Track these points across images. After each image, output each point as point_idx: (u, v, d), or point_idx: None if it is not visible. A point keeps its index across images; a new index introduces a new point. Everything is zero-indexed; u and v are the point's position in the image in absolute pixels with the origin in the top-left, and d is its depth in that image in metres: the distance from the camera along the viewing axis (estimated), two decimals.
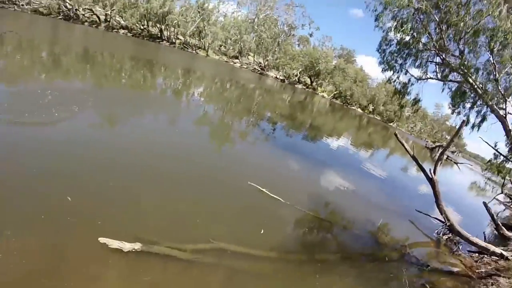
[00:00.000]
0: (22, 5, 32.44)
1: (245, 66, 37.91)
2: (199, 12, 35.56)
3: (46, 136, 5.30)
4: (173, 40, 33.32)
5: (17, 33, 16.29)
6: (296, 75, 40.49)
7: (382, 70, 9.78)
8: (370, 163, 12.13)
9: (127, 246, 3.38)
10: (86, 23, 32.49)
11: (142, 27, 33.19)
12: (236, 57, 39.45)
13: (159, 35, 33.26)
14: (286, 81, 38.92)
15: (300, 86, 39.95)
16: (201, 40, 36.95)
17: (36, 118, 5.73)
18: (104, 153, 5.32)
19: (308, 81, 42.01)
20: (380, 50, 9.82)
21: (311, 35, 42.85)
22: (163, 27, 33.48)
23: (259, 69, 38.64)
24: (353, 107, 41.73)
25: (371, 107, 44.30)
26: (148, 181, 4.85)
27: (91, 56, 16.81)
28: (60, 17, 32.29)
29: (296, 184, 7.16)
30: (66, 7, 32.54)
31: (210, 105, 10.83)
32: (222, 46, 39.70)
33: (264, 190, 5.74)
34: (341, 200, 7.07)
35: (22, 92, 7.13)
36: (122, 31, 32.23)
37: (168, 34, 33.56)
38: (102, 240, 3.36)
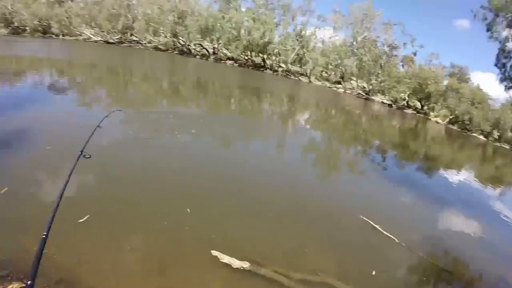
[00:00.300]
0: (145, 43, 39.23)
1: (348, 91, 36.72)
2: (297, 39, 36.30)
3: (171, 154, 6.41)
4: (276, 68, 34.60)
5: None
6: (404, 99, 37.17)
7: (506, 88, 7.98)
8: (502, 204, 9.89)
9: (236, 263, 3.50)
10: (197, 56, 36.77)
11: (246, 58, 35.39)
12: (339, 82, 38.66)
13: (262, 64, 34.97)
14: (393, 106, 36.01)
15: (409, 111, 36.36)
16: (302, 67, 37.45)
17: (162, 139, 6.93)
18: (217, 173, 5.92)
19: (418, 105, 38.07)
20: (499, 65, 8.10)
21: (415, 54, 38.98)
22: (265, 56, 35.05)
23: (363, 94, 36.85)
24: (473, 134, 35.98)
25: (496, 134, 37.49)
26: (258, 204, 5.06)
27: (203, 85, 18.33)
28: (176, 52, 36.99)
29: (410, 222, 6.31)
30: (180, 43, 37.22)
31: (316, 132, 10.52)
32: (324, 72, 39.43)
33: (377, 226, 5.17)
34: (465, 248, 5.86)
35: (149, 116, 8.44)
36: (228, 62, 35.25)
37: (271, 62, 35.02)
38: (214, 253, 3.59)
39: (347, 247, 4.64)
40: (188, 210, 4.43)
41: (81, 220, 3.86)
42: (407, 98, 37.56)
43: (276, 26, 36.76)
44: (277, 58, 35.84)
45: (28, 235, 3.49)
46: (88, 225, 3.86)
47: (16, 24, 43.73)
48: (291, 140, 9.22)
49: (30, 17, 43.64)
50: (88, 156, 2.54)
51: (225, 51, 36.22)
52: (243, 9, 38.44)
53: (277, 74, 32.60)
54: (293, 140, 9.25)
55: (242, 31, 35.51)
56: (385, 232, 5.07)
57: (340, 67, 37.83)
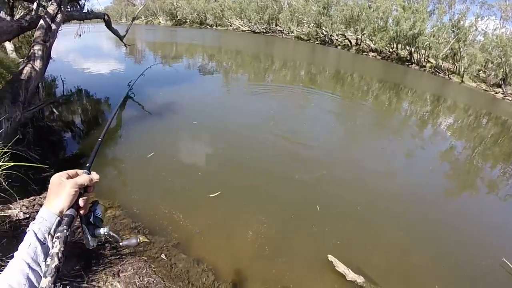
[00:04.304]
0: (288, 33, 41.18)
1: (510, 98, 30.59)
2: (453, 31, 31.65)
3: (300, 149, 6.66)
4: (423, 64, 31.21)
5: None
6: None
7: None
8: None
9: (350, 275, 3.38)
10: (339, 47, 36.40)
11: (391, 50, 33.04)
12: (499, 85, 32.43)
13: (408, 58, 32.06)
14: None
15: None
16: (455, 63, 32.79)
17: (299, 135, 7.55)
18: (347, 175, 5.96)
19: None
20: None
21: None
22: (412, 49, 32.07)
23: None
24: None
25: None
26: (388, 217, 4.82)
27: (342, 76, 18.42)
28: (317, 42, 37.48)
29: None
30: (322, 33, 37.43)
31: (458, 141, 9.45)
32: (481, 71, 33.63)
33: None
34: None
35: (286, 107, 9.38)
36: (371, 54, 33.52)
37: (418, 57, 31.73)
38: (330, 258, 3.55)
39: None
40: (317, 207, 4.62)
41: (212, 195, 4.51)
42: None
43: (429, 16, 32.74)
44: (426, 52, 32.25)
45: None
46: (216, 200, 4.47)
47: (178, 17, 55.20)
48: (427, 146, 8.48)
49: (190, 11, 52.99)
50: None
51: (368, 42, 34.63)
52: None
53: (424, 70, 29.35)
54: (430, 146, 8.49)
55: (390, 21, 33.13)
56: None
57: (504, 67, 31.43)
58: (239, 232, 3.97)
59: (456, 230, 4.86)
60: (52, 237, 0.72)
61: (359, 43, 35.36)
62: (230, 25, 48.00)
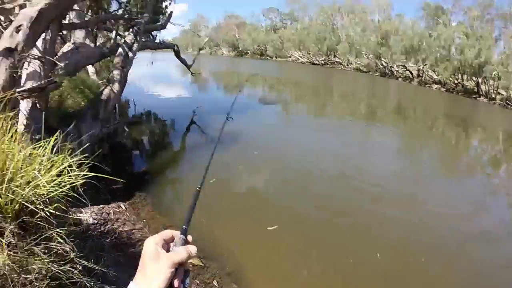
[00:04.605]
0: (346, 64, 41.92)
1: None
2: None
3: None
4: (493, 96, 29.02)
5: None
6: None
7: None
8: None
9: None
10: (399, 79, 35.63)
11: (456, 81, 31.43)
12: None
13: (475, 90, 30.06)
14: None
15: None
16: None
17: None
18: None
19: None
20: None
21: None
22: (479, 80, 30.25)
23: None
24: None
25: None
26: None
27: (403, 110, 18.33)
28: (377, 74, 37.32)
29: None
30: (382, 65, 37.19)
31: None
32: None
33: None
34: None
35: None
36: (434, 86, 32.19)
37: (486, 88, 29.62)
38: None
39: None
40: (378, 255, 4.25)
41: (270, 228, 4.48)
42: None
43: (496, 42, 31.37)
44: (496, 83, 30.24)
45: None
46: (272, 233, 4.46)
47: (240, 48, 58.84)
48: (497, 196, 7.63)
49: (251, 42, 56.40)
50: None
51: (431, 73, 33.44)
52: (454, 24, 34.67)
53: (494, 103, 27.40)
54: (501, 197, 7.62)
55: (453, 50, 31.87)
56: None
57: None
58: (292, 270, 3.89)
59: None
60: None
61: (421, 74, 34.37)
62: (290, 57, 49.89)
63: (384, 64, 37.42)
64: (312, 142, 9.64)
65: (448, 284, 4.04)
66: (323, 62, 44.74)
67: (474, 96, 29.98)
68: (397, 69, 36.64)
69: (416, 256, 4.40)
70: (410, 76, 35.21)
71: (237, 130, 8.69)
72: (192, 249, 0.71)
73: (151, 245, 0.65)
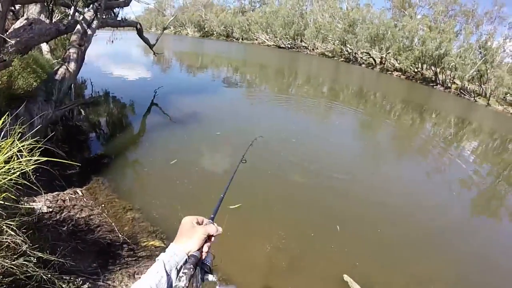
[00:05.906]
0: (312, 49, 41.86)
1: None
2: (480, 52, 31.03)
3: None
4: (448, 85, 30.73)
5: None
6: None
7: None
8: None
9: None
10: (363, 65, 36.45)
11: (416, 70, 32.73)
12: None
13: (433, 79, 31.64)
14: None
15: None
16: (482, 85, 32.10)
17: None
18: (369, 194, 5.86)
19: None
20: None
21: None
22: (438, 70, 31.69)
23: None
24: None
25: None
26: (402, 245, 4.61)
27: (364, 94, 18.59)
28: (342, 59, 37.74)
29: None
30: (347, 51, 37.73)
31: (484, 165, 9.40)
32: (509, 94, 32.71)
33: None
34: None
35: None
36: (395, 73, 33.30)
37: (443, 77, 31.28)
38: (346, 278, 3.51)
39: None
40: (337, 227, 4.54)
41: (232, 207, 4.40)
42: None
43: (456, 36, 32.63)
44: (452, 73, 31.78)
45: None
46: (236, 212, 4.41)
47: (206, 29, 57.20)
48: (446, 173, 8.07)
49: (218, 23, 54.94)
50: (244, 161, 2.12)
51: (393, 61, 34.59)
52: (419, 17, 35.88)
53: (449, 92, 28.90)
54: (446, 173, 8.05)
55: (415, 41, 33.08)
56: None
57: None
58: (256, 245, 3.97)
59: (484, 258, 4.70)
60: (178, 271, 0.82)
61: (383, 62, 35.36)
62: (256, 39, 49.10)
63: (349, 51, 37.96)
64: (274, 123, 9.41)
65: (400, 245, 4.55)
66: (289, 46, 44.52)
67: (432, 84, 31.53)
68: (361, 56, 37.33)
69: (372, 226, 4.78)
70: (373, 63, 36.09)
71: (200, 111, 9.09)
72: (219, 228, 0.95)
73: (188, 220, 0.92)
